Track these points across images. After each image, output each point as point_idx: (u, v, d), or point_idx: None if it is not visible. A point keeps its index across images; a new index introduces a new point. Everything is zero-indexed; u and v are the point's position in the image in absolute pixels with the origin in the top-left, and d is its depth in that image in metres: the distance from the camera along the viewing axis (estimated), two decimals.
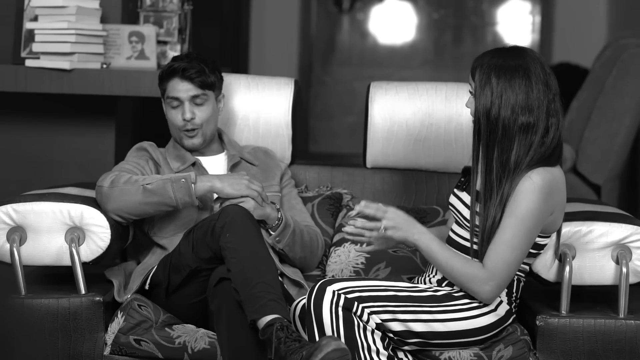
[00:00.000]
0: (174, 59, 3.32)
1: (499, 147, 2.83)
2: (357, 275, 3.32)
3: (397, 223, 2.89)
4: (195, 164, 3.30)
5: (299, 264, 3.29)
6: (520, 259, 2.87)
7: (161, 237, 3.23)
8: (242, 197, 3.10)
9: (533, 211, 2.82)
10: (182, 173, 3.14)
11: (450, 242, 3.01)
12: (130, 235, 3.29)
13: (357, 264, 3.34)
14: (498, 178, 2.84)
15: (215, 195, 3.18)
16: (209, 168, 3.31)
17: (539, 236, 2.93)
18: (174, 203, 3.07)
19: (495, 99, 2.82)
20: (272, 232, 3.20)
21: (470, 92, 2.93)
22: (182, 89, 3.25)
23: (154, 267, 3.16)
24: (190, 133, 3.28)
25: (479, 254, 2.88)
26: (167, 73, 3.27)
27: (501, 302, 2.95)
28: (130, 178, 3.09)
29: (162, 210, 3.11)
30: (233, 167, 3.34)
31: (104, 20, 3.89)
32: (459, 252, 2.94)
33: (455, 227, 3.01)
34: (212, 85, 3.29)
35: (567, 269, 3.01)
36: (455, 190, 3.03)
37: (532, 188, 2.81)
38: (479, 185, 2.95)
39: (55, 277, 3.24)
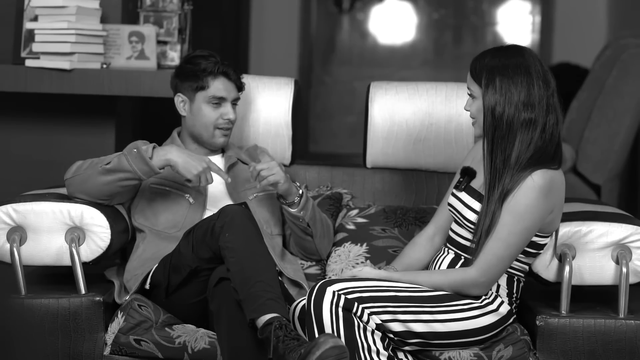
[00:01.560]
0: (202, 57, 3.31)
1: (503, 143, 2.86)
2: None
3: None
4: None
5: (318, 242, 3.31)
6: (514, 256, 2.89)
7: (150, 224, 3.24)
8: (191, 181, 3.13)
9: (532, 209, 2.84)
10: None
11: (452, 242, 3.02)
12: (130, 234, 3.29)
13: (357, 263, 3.34)
14: (500, 173, 2.86)
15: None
16: None
17: (539, 236, 2.94)
18: (135, 175, 3.08)
19: (500, 97, 2.85)
20: (293, 209, 3.21)
21: (469, 94, 2.94)
22: (229, 89, 3.31)
23: (152, 268, 3.15)
24: (226, 132, 3.32)
25: (474, 251, 2.89)
26: (216, 72, 3.28)
27: (502, 302, 2.95)
28: (91, 162, 3.13)
29: (129, 185, 3.12)
30: (230, 168, 3.34)
31: (104, 20, 3.88)
32: (424, 271, 3.03)
33: (455, 227, 3.02)
34: (243, 88, 3.39)
35: (567, 269, 3.01)
36: (454, 190, 3.04)
37: (533, 186, 2.83)
38: (478, 184, 2.96)
39: (55, 277, 3.24)
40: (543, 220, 2.88)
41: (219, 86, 3.29)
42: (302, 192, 3.24)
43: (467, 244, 2.95)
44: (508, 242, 2.86)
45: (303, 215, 3.23)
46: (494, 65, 2.87)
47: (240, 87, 3.36)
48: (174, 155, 3.11)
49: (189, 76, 3.30)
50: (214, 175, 3.21)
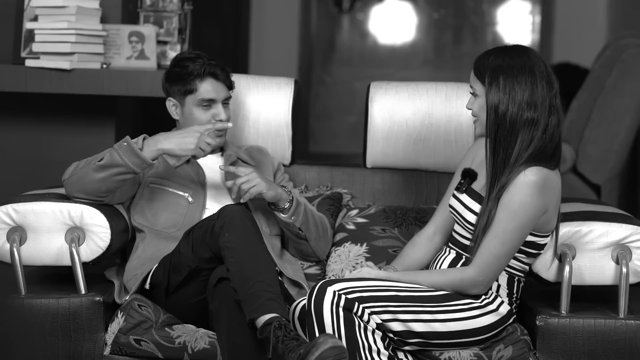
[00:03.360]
0: (189, 59, 3.28)
1: (506, 142, 2.86)
2: None
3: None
4: (189, 161, 3.30)
5: (314, 245, 3.29)
6: (511, 254, 2.89)
7: (150, 224, 3.25)
8: (191, 156, 3.12)
9: (526, 206, 2.84)
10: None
11: (454, 241, 3.02)
12: (130, 234, 3.29)
13: (357, 263, 3.34)
14: (500, 171, 2.86)
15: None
16: (205, 166, 3.32)
17: (538, 236, 2.94)
18: (128, 169, 3.07)
19: (503, 95, 2.85)
20: (284, 215, 3.20)
21: (471, 93, 2.94)
22: (218, 90, 3.28)
23: (152, 268, 3.15)
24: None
25: (472, 250, 2.90)
26: (203, 74, 3.26)
27: (502, 302, 2.95)
28: (86, 161, 3.13)
29: (125, 180, 3.11)
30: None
31: (104, 20, 3.88)
32: (423, 271, 3.03)
33: (457, 228, 3.02)
34: (233, 86, 3.36)
35: (567, 269, 3.01)
36: (455, 192, 3.04)
37: (526, 182, 2.84)
38: (479, 186, 2.97)
39: (55, 277, 3.24)
40: (537, 218, 2.88)
41: (207, 88, 3.27)
42: (293, 198, 3.23)
43: (468, 243, 2.96)
44: (503, 239, 2.86)
45: (294, 221, 3.22)
46: (498, 64, 2.87)
47: (230, 86, 3.32)
48: (164, 143, 3.09)
49: (177, 80, 3.28)
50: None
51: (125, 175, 3.09)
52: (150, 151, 3.08)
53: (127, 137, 3.10)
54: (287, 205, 3.21)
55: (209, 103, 3.27)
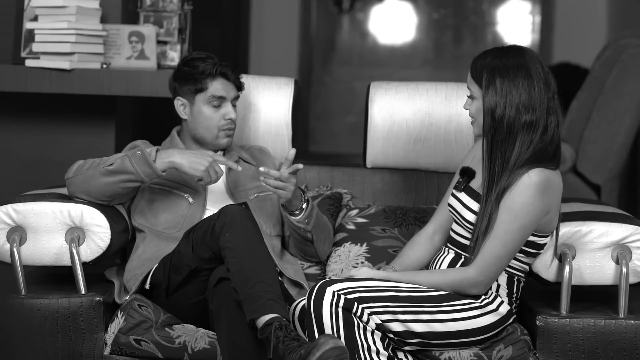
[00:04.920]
0: (200, 59, 3.29)
1: (503, 146, 2.86)
2: None
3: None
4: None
5: (319, 247, 3.30)
6: (512, 254, 2.89)
7: (150, 224, 3.25)
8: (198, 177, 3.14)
9: (528, 207, 2.84)
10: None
11: (452, 241, 3.02)
12: (130, 234, 3.29)
13: (357, 263, 3.34)
14: (499, 174, 2.86)
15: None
16: None
17: (538, 236, 2.94)
18: (138, 177, 3.09)
19: (500, 99, 2.84)
20: (294, 217, 3.20)
21: (468, 95, 2.94)
22: (228, 88, 3.30)
23: (152, 268, 3.16)
24: (229, 132, 3.31)
25: (472, 251, 2.89)
26: (214, 73, 3.27)
27: (502, 302, 2.95)
28: (92, 163, 3.14)
29: (130, 187, 3.13)
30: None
31: (104, 20, 3.89)
32: (423, 271, 3.03)
33: (455, 227, 3.02)
34: (243, 87, 3.38)
35: (567, 268, 3.01)
36: (454, 191, 3.04)
37: (529, 184, 2.83)
38: (477, 184, 2.97)
39: (55, 277, 3.24)
40: (539, 219, 2.88)
41: (217, 86, 3.28)
42: (308, 200, 3.22)
43: (467, 242, 2.96)
44: (505, 240, 2.86)
45: (306, 225, 3.22)
46: (495, 66, 2.87)
47: (239, 87, 3.34)
48: (177, 157, 3.11)
49: (188, 79, 3.29)
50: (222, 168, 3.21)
51: (133, 183, 3.10)
52: (161, 162, 3.10)
53: (137, 143, 3.17)
54: (303, 205, 3.19)
55: (218, 101, 3.28)
